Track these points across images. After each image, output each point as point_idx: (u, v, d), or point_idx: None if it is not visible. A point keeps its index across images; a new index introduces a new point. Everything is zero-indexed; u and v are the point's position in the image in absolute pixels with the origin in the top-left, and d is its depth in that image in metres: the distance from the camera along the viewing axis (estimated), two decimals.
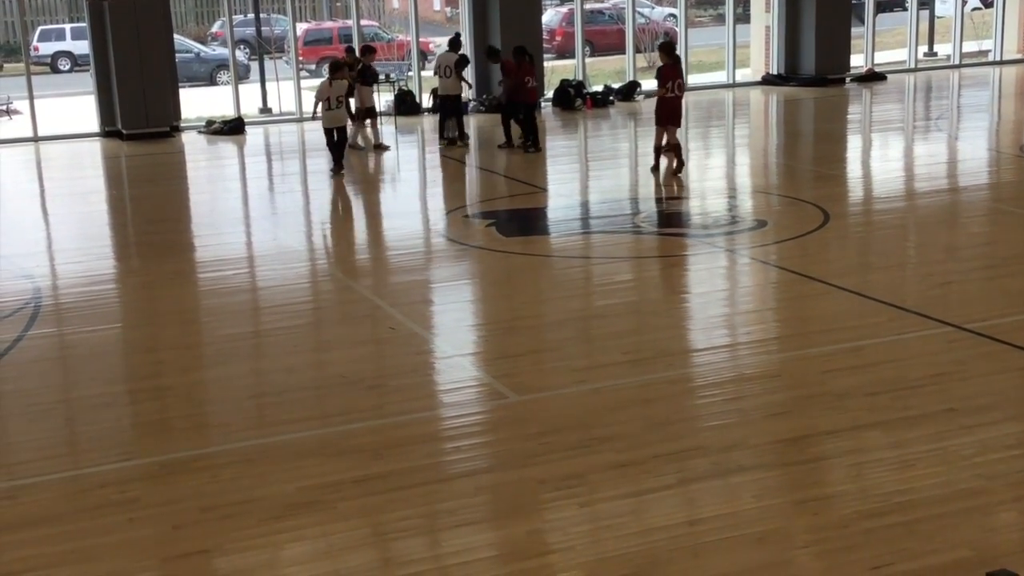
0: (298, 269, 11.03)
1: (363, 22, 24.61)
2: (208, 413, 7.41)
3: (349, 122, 16.56)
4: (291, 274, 10.73)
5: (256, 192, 15.90)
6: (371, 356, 8.38)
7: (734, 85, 24.83)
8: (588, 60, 25.83)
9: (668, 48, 14.93)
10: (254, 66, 25.72)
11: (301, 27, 31.50)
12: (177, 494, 6.03)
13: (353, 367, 7.95)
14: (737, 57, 25.61)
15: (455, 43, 18.43)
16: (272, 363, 8.25)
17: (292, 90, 22.00)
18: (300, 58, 23.42)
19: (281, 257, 11.47)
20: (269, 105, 22.76)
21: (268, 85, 23.03)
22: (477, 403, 7.31)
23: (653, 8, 35.65)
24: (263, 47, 24.84)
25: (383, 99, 21.58)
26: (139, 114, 19.72)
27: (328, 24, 33.30)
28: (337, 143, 15.77)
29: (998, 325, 8.18)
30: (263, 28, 26.19)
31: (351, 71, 20.63)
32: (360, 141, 17.84)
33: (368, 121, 17.98)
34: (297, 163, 18.31)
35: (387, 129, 20.54)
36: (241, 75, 25.39)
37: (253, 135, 20.50)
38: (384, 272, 10.96)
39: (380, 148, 17.88)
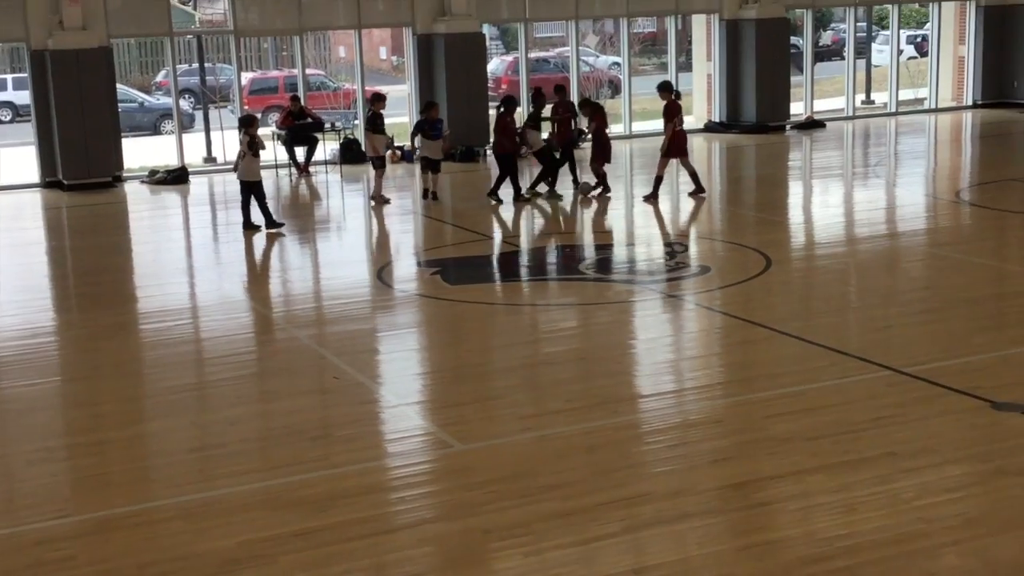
0: (242, 319, 10.94)
1: (309, 71, 24.66)
2: (148, 467, 7.29)
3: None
4: (234, 324, 10.64)
5: (199, 242, 15.78)
6: (315, 406, 8.31)
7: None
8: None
9: (668, 86, 16.65)
10: (199, 115, 25.61)
11: (246, 76, 31.49)
12: (114, 551, 5.91)
13: (296, 418, 7.87)
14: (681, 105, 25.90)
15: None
16: (214, 415, 8.16)
17: (237, 139, 21.90)
18: (245, 107, 23.36)
19: (224, 307, 11.37)
20: (214, 154, 22.65)
21: (213, 134, 22.93)
22: (422, 453, 7.27)
23: (597, 56, 36.07)
24: (208, 96, 24.78)
25: (328, 148, 21.59)
26: (81, 164, 19.52)
27: (274, 73, 33.29)
28: (244, 199, 15.10)
29: (936, 369, 8.28)
30: (208, 77, 26.13)
31: (295, 119, 20.69)
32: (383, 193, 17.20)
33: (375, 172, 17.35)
34: (241, 213, 18.20)
35: (332, 178, 20.53)
36: (185, 124, 25.27)
37: (197, 184, 20.37)
38: (329, 322, 10.90)
39: (380, 200, 17.02)
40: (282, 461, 7.12)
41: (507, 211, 16.66)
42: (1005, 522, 5.87)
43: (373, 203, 16.98)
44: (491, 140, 17.68)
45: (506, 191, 16.55)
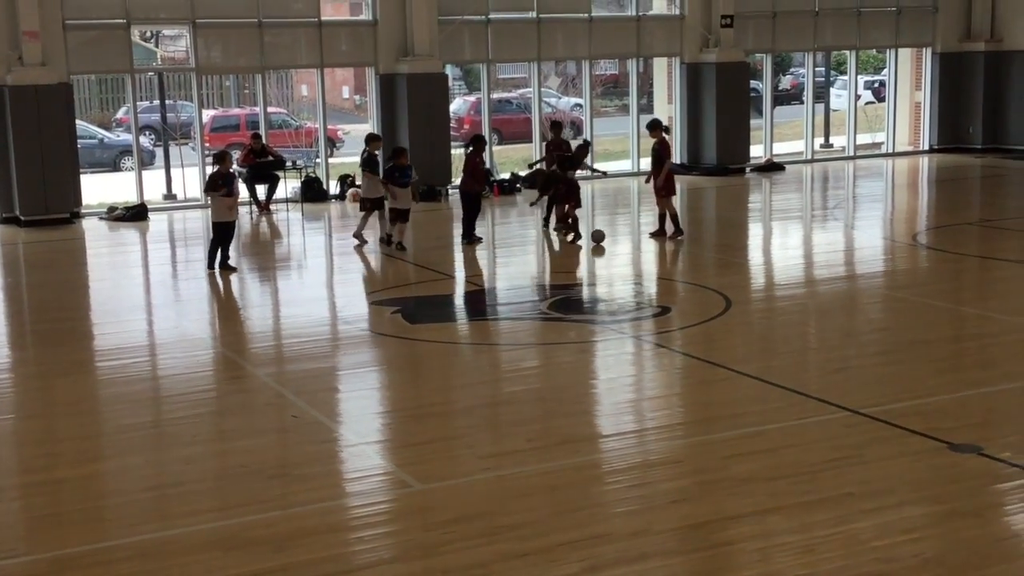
0: (200, 357, 10.84)
1: (271, 109, 24.65)
2: (103, 507, 7.18)
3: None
4: (192, 362, 10.54)
5: (158, 279, 15.66)
6: (273, 445, 8.24)
7: (638, 173, 25.28)
8: (496, 148, 26.15)
9: (659, 124, 16.80)
10: (160, 152, 25.50)
11: (208, 113, 31.44)
12: None
13: (254, 457, 7.80)
14: (641, 146, 26.12)
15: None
16: (171, 454, 8.06)
17: (197, 176, 21.84)
18: (207, 144, 23.31)
19: (182, 345, 11.27)
20: (174, 191, 22.54)
21: (173, 171, 22.84)
22: (381, 492, 7.21)
23: (560, 98, 36.33)
24: (168, 133, 24.68)
25: (289, 186, 21.55)
26: (38, 200, 19.37)
27: (235, 111, 33.27)
28: (215, 238, 14.76)
29: (894, 410, 8.35)
30: (169, 114, 26.05)
31: (257, 157, 20.67)
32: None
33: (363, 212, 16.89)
34: (201, 250, 18.08)
35: (293, 216, 20.48)
36: (146, 161, 25.17)
37: (156, 222, 20.25)
38: (288, 360, 10.82)
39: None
40: (239, 500, 7.04)
41: (468, 251, 16.68)
42: (962, 563, 5.90)
43: (356, 242, 16.50)
44: (460, 179, 17.51)
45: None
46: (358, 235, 16.63)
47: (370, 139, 17.19)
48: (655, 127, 16.70)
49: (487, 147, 17.29)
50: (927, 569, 5.84)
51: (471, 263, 15.62)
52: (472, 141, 17.15)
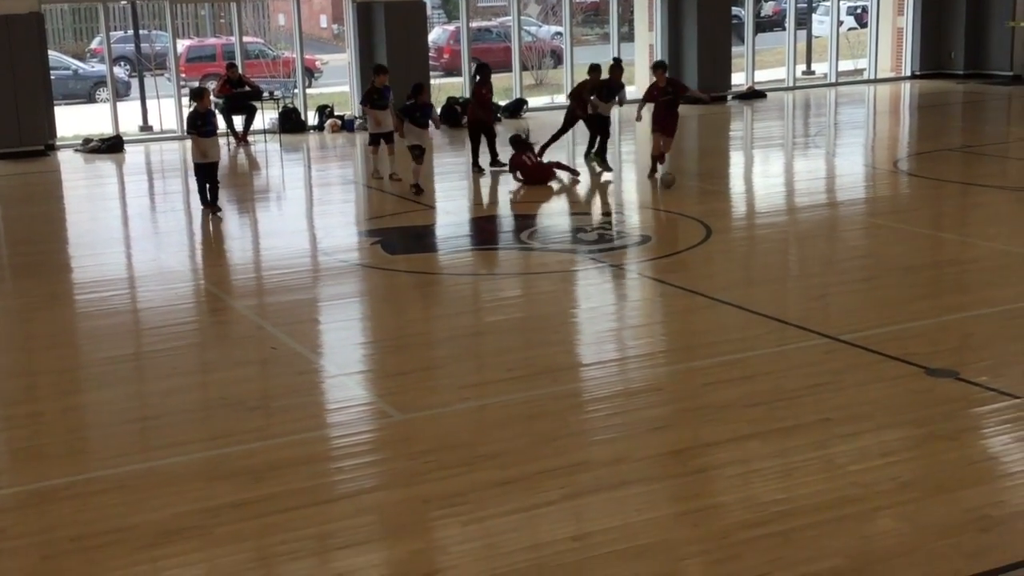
0: (178, 290, 10.78)
1: (247, 39, 24.31)
2: (82, 439, 7.18)
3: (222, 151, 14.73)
4: (171, 295, 10.49)
5: (135, 212, 15.53)
6: (253, 377, 8.23)
7: (620, 103, 25.05)
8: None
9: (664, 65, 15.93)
10: (135, 83, 25.16)
11: (183, 43, 30.96)
12: (47, 524, 5.82)
13: (234, 389, 7.79)
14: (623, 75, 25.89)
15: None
16: (150, 386, 8.05)
17: (173, 108, 21.58)
18: (182, 75, 23.01)
19: (161, 278, 11.22)
20: (150, 123, 22.28)
21: (149, 103, 22.55)
22: (361, 423, 7.22)
23: (540, 26, 35.93)
24: (143, 64, 24.33)
25: (267, 117, 21.33)
26: (12, 132, 19.12)
27: (211, 40, 32.77)
28: (202, 179, 13.97)
29: (873, 336, 8.38)
30: (143, 45, 25.65)
31: (233, 87, 20.42)
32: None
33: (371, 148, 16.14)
34: (179, 182, 17.94)
35: (271, 147, 20.30)
36: (121, 92, 24.85)
37: (133, 154, 20.05)
38: (267, 292, 10.78)
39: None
40: (219, 432, 7.05)
41: (448, 181, 16.61)
42: (937, 485, 5.96)
43: (374, 179, 15.95)
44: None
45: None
46: (373, 173, 16.04)
47: (377, 71, 16.40)
48: (661, 67, 15.78)
49: (492, 75, 16.67)
50: (903, 492, 5.89)
51: (451, 194, 15.54)
52: (477, 70, 16.76)
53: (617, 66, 16.75)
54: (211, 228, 13.72)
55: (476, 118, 16.41)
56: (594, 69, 16.68)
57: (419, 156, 14.73)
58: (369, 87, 15.91)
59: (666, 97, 15.20)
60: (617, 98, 16.70)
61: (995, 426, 6.79)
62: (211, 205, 13.97)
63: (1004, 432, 6.69)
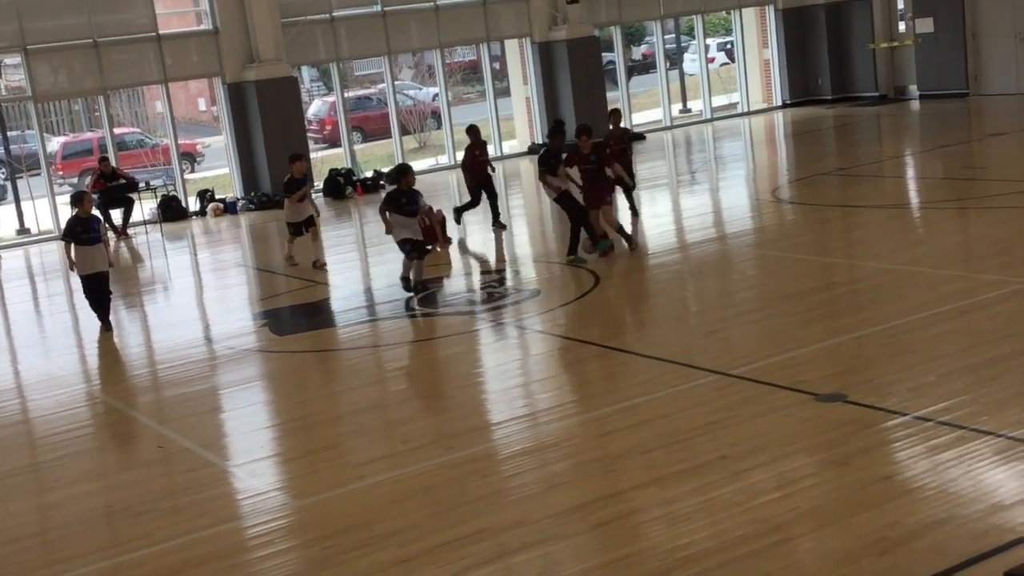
0: (61, 396, 10.40)
1: (125, 129, 23.97)
2: None
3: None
4: (52, 402, 10.12)
5: (17, 317, 15.04)
6: (139, 480, 7.93)
7: (503, 157, 25.27)
8: (360, 147, 25.84)
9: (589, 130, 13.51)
10: (9, 186, 24.57)
11: (59, 140, 30.39)
12: None
13: (121, 494, 7.51)
14: (503, 129, 26.13)
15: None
16: (31, 502, 7.72)
17: (47, 208, 21.07)
18: (59, 172, 22.55)
19: (44, 384, 10.83)
20: (27, 225, 21.74)
21: (24, 204, 22.02)
22: (255, 515, 7.00)
23: (420, 89, 36.09)
24: (14, 166, 23.78)
25: (147, 208, 20.98)
26: None
27: (88, 135, 32.22)
28: (90, 294, 12.56)
29: (762, 367, 8.43)
30: (13, 146, 25.10)
31: (107, 181, 20.03)
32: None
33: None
34: (61, 283, 17.47)
35: (153, 237, 19.94)
36: None
37: (10, 258, 19.51)
38: (156, 388, 10.48)
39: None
40: (102, 544, 6.77)
41: (336, 254, 16.43)
42: (834, 512, 5.96)
43: (287, 263, 15.24)
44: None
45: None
46: (288, 257, 15.34)
47: (292, 159, 15.27)
48: (586, 131, 13.39)
49: (479, 136, 16.61)
50: (802, 523, 5.88)
51: (339, 267, 15.38)
52: (467, 132, 16.92)
53: (558, 130, 14.61)
54: (97, 327, 13.33)
55: (469, 184, 16.47)
56: (558, 131, 14.48)
57: (411, 251, 12.45)
58: (288, 177, 15.42)
59: (588, 165, 13.36)
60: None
61: (885, 446, 6.84)
62: (105, 322, 12.58)
63: (894, 451, 6.74)
